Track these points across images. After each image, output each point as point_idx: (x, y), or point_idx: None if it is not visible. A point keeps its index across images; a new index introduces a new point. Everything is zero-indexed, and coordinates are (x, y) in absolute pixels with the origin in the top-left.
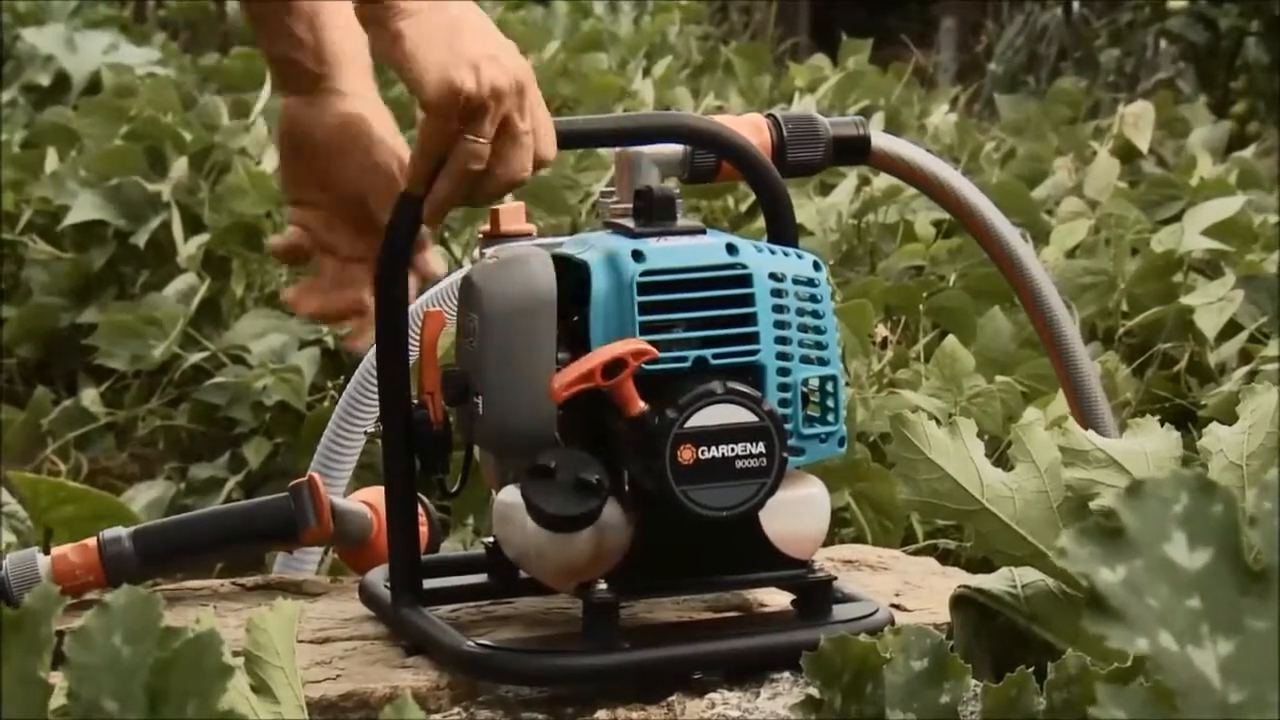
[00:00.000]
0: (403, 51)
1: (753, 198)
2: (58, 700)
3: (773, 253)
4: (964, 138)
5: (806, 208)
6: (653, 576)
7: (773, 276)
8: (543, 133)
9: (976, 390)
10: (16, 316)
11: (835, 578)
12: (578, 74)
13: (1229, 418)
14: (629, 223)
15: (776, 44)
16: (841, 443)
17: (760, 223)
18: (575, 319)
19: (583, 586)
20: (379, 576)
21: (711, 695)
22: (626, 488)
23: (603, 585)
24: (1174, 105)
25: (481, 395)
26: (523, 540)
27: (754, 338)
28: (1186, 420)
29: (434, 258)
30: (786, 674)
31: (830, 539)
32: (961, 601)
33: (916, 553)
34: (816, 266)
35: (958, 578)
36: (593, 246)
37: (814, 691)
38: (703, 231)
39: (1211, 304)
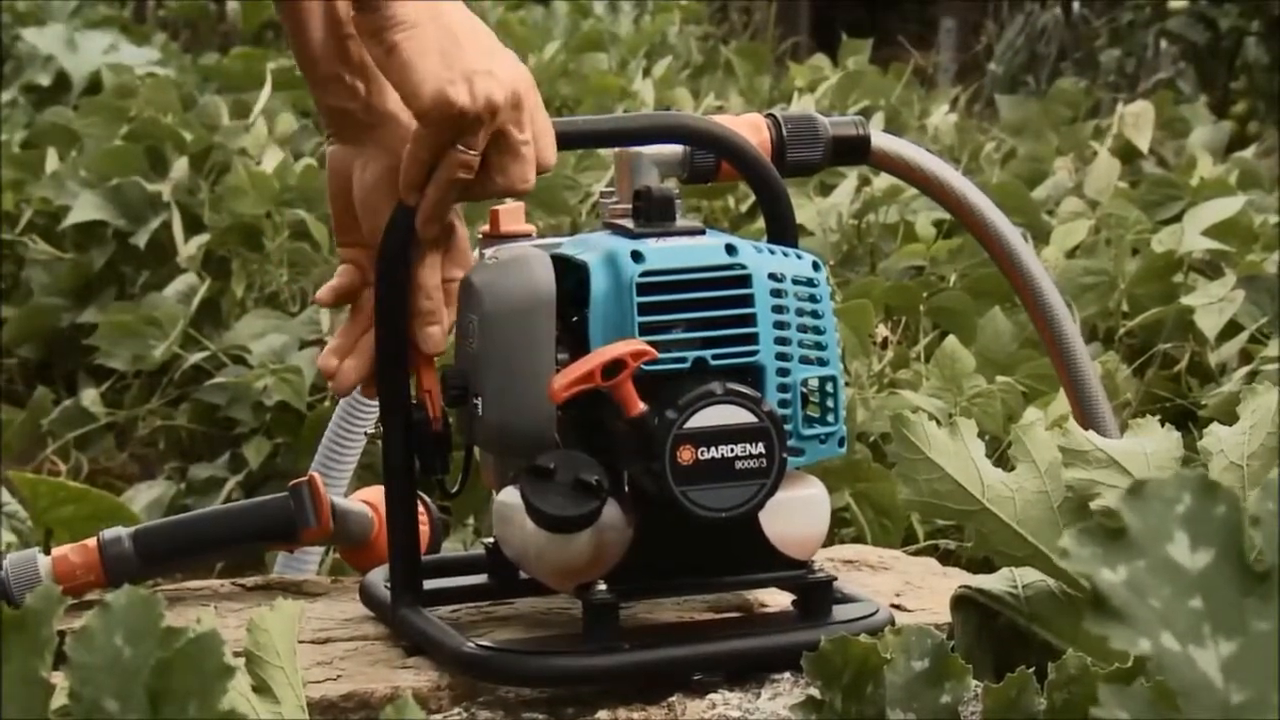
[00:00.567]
0: (398, 63)
1: (753, 198)
2: (59, 700)
3: (772, 253)
4: (964, 138)
5: (807, 208)
6: (652, 577)
7: (772, 277)
8: (543, 142)
9: (977, 390)
10: (16, 316)
11: (835, 578)
12: (578, 74)
13: (1229, 418)
14: (628, 223)
15: (776, 44)
16: (841, 443)
17: (760, 223)
18: (575, 320)
19: (582, 587)
20: (379, 577)
21: (712, 696)
22: (626, 488)
23: (602, 586)
24: (1174, 105)
25: (481, 396)
26: (522, 541)
27: (753, 338)
28: (1187, 420)
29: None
30: (787, 674)
31: (830, 539)
32: (962, 602)
33: (917, 553)
34: (816, 267)
35: (958, 578)
36: (592, 247)
37: (814, 692)
38: (702, 232)
39: (1212, 304)
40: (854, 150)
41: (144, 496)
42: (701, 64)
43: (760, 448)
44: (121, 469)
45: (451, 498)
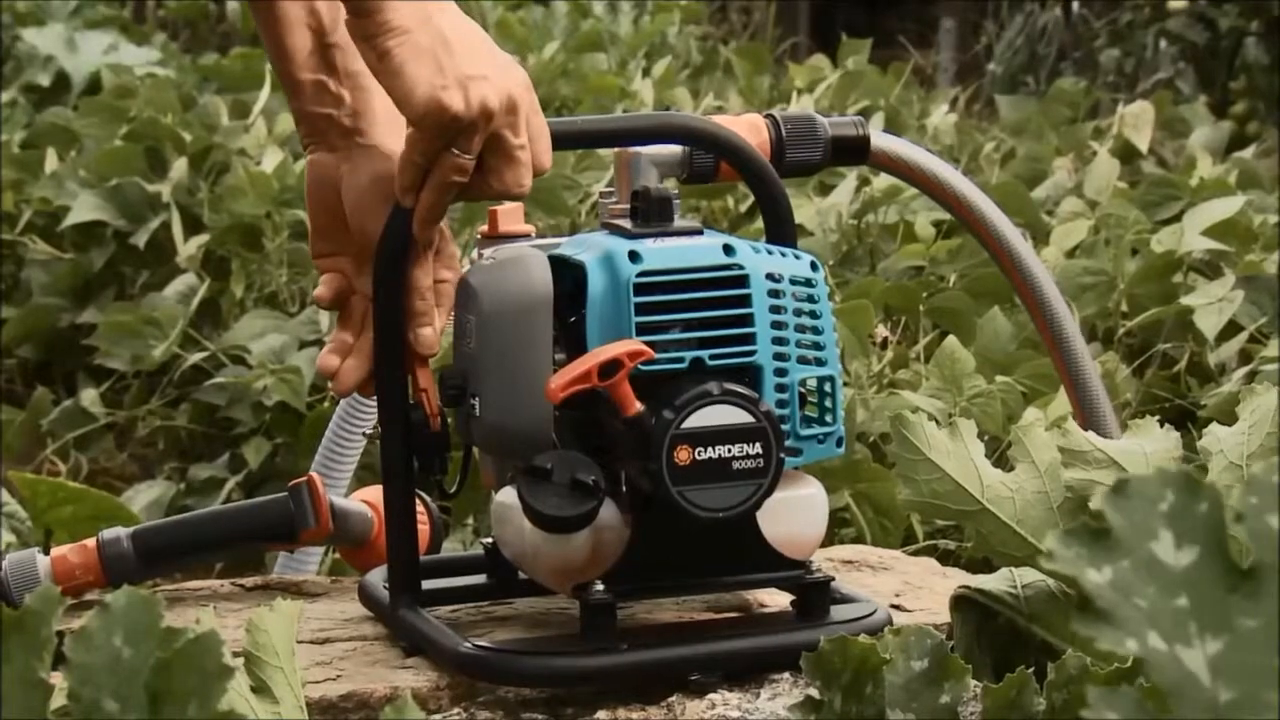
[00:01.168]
0: (390, 69)
1: (752, 198)
2: (58, 701)
3: (770, 253)
4: (964, 138)
5: (806, 208)
6: (650, 577)
7: (770, 277)
8: (540, 145)
9: (976, 390)
10: (16, 316)
11: (833, 578)
12: (577, 74)
13: (1229, 418)
14: (626, 223)
15: (776, 44)
16: (840, 443)
17: (759, 223)
18: (572, 320)
19: (580, 587)
20: (378, 577)
21: (711, 696)
22: (623, 488)
23: (600, 586)
24: (1174, 105)
25: (479, 396)
26: (520, 541)
27: (751, 338)
28: (1186, 421)
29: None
30: (786, 675)
31: (830, 539)
32: (961, 602)
33: (916, 553)
34: (814, 267)
35: (958, 578)
36: (590, 247)
37: (814, 692)
38: (700, 232)
39: (1211, 304)
40: (853, 150)
41: (143, 497)
42: (701, 64)
43: (757, 448)
44: (121, 469)
45: (450, 498)
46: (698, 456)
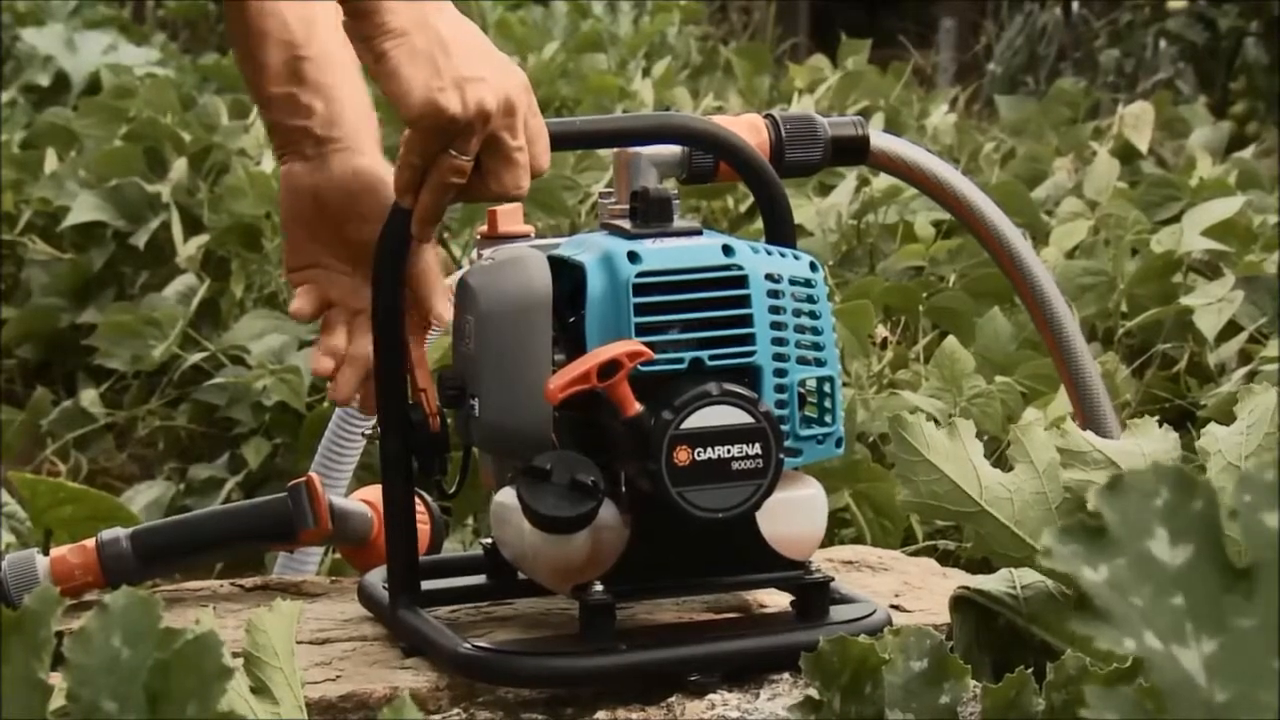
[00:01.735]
0: (388, 70)
1: (752, 198)
2: (57, 701)
3: (769, 253)
4: (964, 138)
5: (806, 208)
6: (649, 578)
7: (769, 277)
8: (538, 146)
9: (976, 391)
10: (16, 317)
11: (833, 579)
12: (577, 74)
13: (1228, 418)
14: (625, 224)
15: (776, 44)
16: (839, 444)
17: (759, 224)
18: (571, 320)
19: (579, 588)
20: (377, 578)
21: (711, 696)
22: (623, 489)
23: (599, 586)
24: (1173, 105)
25: (478, 397)
26: (519, 541)
27: (750, 339)
28: (1186, 421)
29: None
30: (786, 675)
31: (830, 540)
32: (961, 602)
33: (916, 553)
34: (813, 267)
35: (957, 578)
36: (589, 248)
37: (813, 692)
38: (699, 232)
39: (1211, 304)
40: (853, 150)
41: (143, 497)
42: (701, 64)
43: (757, 448)
44: (121, 469)
45: (449, 498)
46: (697, 457)
